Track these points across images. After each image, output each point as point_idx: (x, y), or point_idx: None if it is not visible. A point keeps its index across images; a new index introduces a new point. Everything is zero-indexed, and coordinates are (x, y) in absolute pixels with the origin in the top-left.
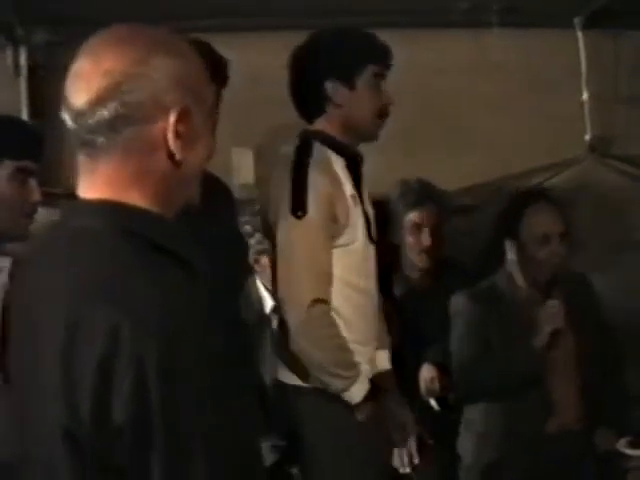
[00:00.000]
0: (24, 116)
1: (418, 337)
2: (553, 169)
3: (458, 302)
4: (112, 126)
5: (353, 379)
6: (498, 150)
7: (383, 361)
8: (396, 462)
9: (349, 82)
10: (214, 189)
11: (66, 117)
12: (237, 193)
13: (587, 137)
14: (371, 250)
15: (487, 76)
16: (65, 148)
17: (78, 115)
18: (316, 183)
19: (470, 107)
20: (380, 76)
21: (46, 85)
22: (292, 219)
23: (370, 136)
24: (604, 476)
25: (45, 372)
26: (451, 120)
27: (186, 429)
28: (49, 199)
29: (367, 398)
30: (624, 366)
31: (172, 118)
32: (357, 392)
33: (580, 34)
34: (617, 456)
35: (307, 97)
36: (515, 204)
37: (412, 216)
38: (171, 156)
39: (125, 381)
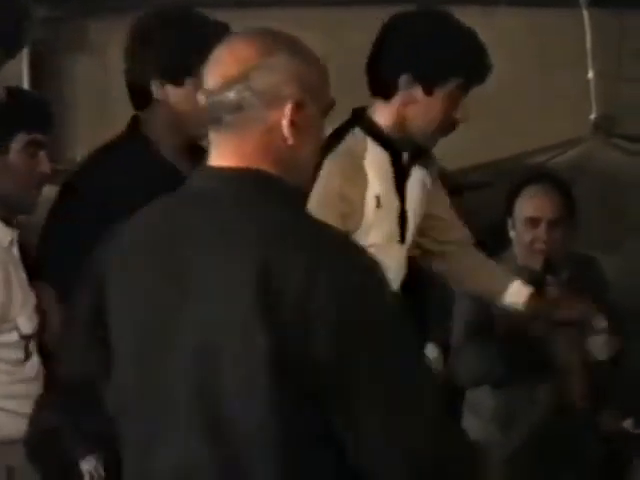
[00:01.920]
0: None
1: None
2: (558, 148)
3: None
4: (238, 107)
5: None
6: (503, 128)
7: None
8: None
9: (428, 87)
10: None
11: (201, 96)
12: None
13: (592, 116)
14: (395, 252)
15: (493, 54)
16: (65, 123)
17: (210, 95)
18: (328, 175)
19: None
20: (465, 89)
21: (46, 60)
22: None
23: (422, 143)
24: (610, 456)
25: (236, 308)
26: None
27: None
28: (51, 175)
29: None
30: (629, 347)
31: (288, 108)
32: None
33: (586, 13)
34: (623, 436)
35: (376, 78)
36: (517, 183)
37: None
38: (285, 140)
39: (324, 325)
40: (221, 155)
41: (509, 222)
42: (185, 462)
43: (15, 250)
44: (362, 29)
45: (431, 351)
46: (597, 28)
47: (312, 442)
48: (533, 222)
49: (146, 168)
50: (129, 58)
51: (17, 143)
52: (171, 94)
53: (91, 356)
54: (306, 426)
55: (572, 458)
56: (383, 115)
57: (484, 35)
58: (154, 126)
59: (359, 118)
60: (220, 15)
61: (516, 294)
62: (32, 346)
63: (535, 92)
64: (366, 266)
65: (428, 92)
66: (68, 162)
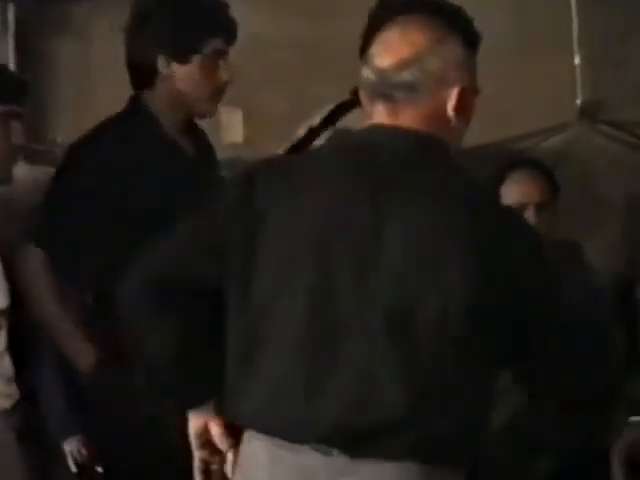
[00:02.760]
0: None
1: None
2: (544, 133)
3: None
4: (412, 86)
5: None
6: (488, 114)
7: None
8: None
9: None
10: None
11: (368, 73)
12: (224, 152)
13: (578, 101)
14: None
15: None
16: (50, 104)
17: (382, 73)
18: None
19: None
20: (221, 53)
21: (33, 41)
22: None
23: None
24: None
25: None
26: None
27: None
28: (33, 155)
29: None
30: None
31: (455, 92)
32: None
33: None
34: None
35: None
36: (499, 169)
37: None
38: (448, 120)
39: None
40: (391, 121)
41: None
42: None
43: None
44: (352, 14)
45: None
46: (584, 12)
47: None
48: (520, 208)
49: (148, 141)
50: (133, 36)
51: None
52: (177, 71)
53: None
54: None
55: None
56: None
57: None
58: (156, 103)
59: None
60: None
61: None
62: (2, 320)
63: (520, 77)
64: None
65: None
66: (51, 143)
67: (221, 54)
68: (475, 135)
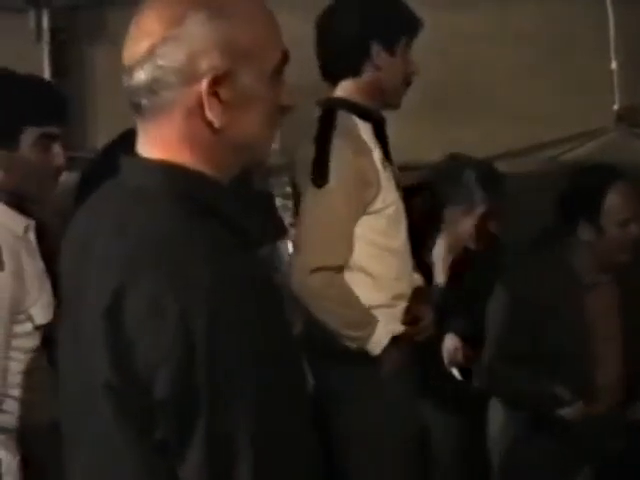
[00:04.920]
0: None
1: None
2: (581, 138)
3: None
4: (150, 89)
5: (366, 337)
6: (525, 119)
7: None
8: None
9: (391, 47)
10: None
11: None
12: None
13: (615, 107)
14: (402, 211)
15: (515, 44)
16: (87, 112)
17: (125, 78)
18: (341, 152)
19: (497, 75)
20: (410, 46)
21: (68, 49)
22: (312, 188)
23: (396, 103)
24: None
25: (89, 332)
26: (479, 88)
27: (232, 397)
28: (71, 163)
29: (389, 351)
30: None
31: (205, 83)
32: (375, 346)
33: (609, 2)
34: None
35: (345, 57)
36: (598, 180)
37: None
38: (209, 123)
39: (171, 351)
40: (146, 145)
41: (583, 225)
42: None
43: (32, 238)
44: None
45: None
46: (621, 18)
47: None
48: (628, 220)
49: None
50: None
51: (27, 137)
52: None
53: None
54: None
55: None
56: (352, 91)
57: (506, 25)
58: None
59: (335, 102)
60: None
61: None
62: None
63: (558, 83)
64: None
65: (392, 52)
66: (89, 150)
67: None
68: (512, 140)
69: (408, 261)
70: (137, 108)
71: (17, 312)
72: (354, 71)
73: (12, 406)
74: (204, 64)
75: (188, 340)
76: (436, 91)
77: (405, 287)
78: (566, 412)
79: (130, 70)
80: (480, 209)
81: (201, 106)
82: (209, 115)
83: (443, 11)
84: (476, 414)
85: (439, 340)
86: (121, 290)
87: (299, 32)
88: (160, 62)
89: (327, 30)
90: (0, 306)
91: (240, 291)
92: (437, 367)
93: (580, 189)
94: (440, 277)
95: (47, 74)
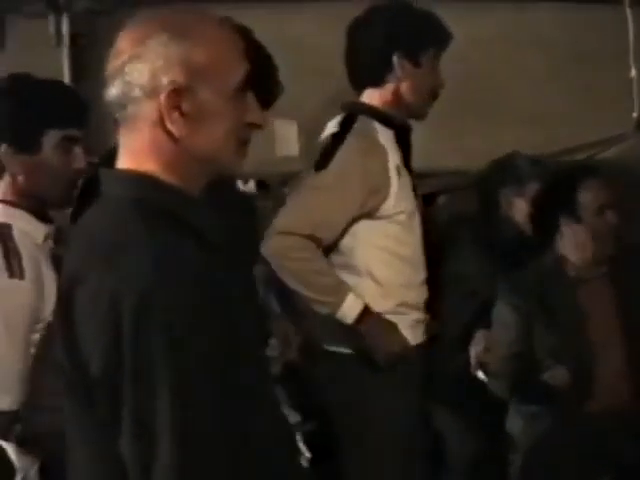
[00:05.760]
0: None
1: None
2: (600, 145)
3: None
4: (120, 103)
5: (337, 303)
6: (544, 125)
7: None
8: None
9: (415, 58)
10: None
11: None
12: (278, 165)
13: (635, 114)
14: (417, 220)
15: (533, 50)
16: (106, 117)
17: (105, 91)
18: (349, 148)
19: (516, 81)
20: (438, 58)
21: (87, 54)
22: (312, 172)
23: (420, 115)
24: None
25: (55, 323)
26: (495, 95)
27: (151, 378)
28: (91, 169)
29: (361, 319)
30: None
31: (162, 96)
32: (348, 312)
33: (629, 10)
34: None
35: (370, 66)
36: (571, 176)
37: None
38: (170, 134)
39: (102, 331)
40: (121, 154)
41: (561, 217)
42: None
43: (51, 245)
44: None
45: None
46: None
47: None
48: (603, 208)
49: None
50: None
51: (49, 140)
52: None
53: None
54: None
55: (614, 457)
56: (375, 100)
57: (524, 31)
58: None
59: (357, 106)
60: (222, 11)
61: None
62: None
63: (576, 89)
64: None
65: (416, 63)
66: None
67: None
68: (531, 147)
69: (420, 270)
70: (114, 121)
71: (37, 321)
72: (377, 81)
73: (31, 413)
74: (165, 79)
75: (116, 321)
76: (452, 97)
77: (413, 296)
78: (548, 376)
79: (106, 85)
80: (532, 191)
81: (163, 118)
82: (169, 126)
83: (460, 17)
84: (495, 417)
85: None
86: (73, 284)
87: (313, 42)
88: (127, 78)
89: (353, 39)
90: (21, 315)
91: (179, 281)
92: (454, 370)
93: (557, 186)
94: None
95: (67, 79)
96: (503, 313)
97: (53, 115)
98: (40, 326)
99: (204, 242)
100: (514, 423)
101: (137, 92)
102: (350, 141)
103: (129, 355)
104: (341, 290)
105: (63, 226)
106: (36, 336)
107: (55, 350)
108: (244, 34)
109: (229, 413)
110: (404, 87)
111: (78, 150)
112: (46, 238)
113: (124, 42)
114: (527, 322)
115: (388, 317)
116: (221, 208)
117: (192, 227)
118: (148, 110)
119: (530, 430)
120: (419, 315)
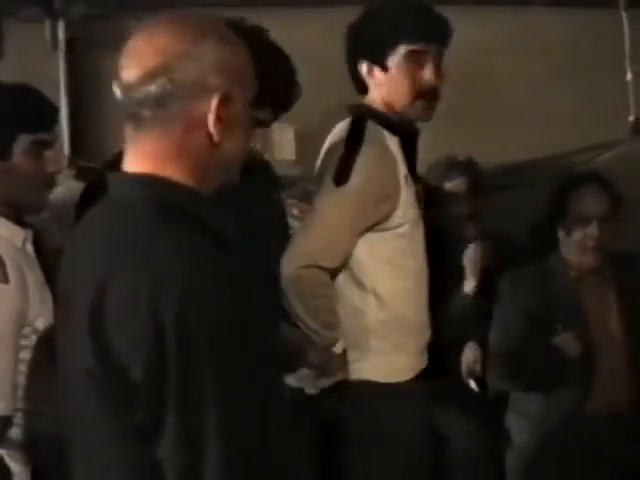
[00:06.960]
0: (62, 89)
1: None
2: (596, 150)
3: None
4: (159, 101)
5: (336, 338)
6: (540, 129)
7: None
8: None
9: (381, 63)
10: (253, 165)
11: (116, 90)
12: (276, 169)
13: (631, 118)
14: (420, 230)
15: (530, 55)
16: (103, 121)
17: (127, 89)
18: (368, 158)
19: (513, 86)
20: (419, 53)
21: (84, 58)
22: (331, 186)
23: (419, 117)
24: None
25: (76, 326)
26: (494, 98)
27: (200, 383)
28: (87, 173)
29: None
30: None
31: (215, 101)
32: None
33: (624, 14)
34: None
35: (352, 76)
36: (565, 182)
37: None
38: (209, 137)
39: (144, 337)
40: (135, 157)
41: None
42: None
43: (29, 248)
44: None
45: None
46: (636, 29)
47: None
48: (584, 221)
49: None
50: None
51: (19, 145)
52: None
53: None
54: None
55: (613, 460)
56: (375, 104)
57: (521, 36)
58: None
59: (364, 110)
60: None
61: None
62: None
63: (573, 93)
64: None
65: (385, 69)
66: (104, 160)
67: None
68: (528, 150)
69: (422, 285)
70: (134, 120)
71: (22, 325)
72: (364, 89)
73: (21, 419)
74: (213, 82)
75: (158, 326)
76: (452, 100)
77: (419, 314)
78: (559, 340)
79: (137, 83)
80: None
81: (204, 120)
82: (211, 129)
83: (460, 22)
84: (493, 422)
85: (459, 350)
86: (101, 286)
87: (317, 47)
88: (175, 75)
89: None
90: (7, 319)
91: (212, 281)
92: (454, 377)
93: (553, 195)
94: (470, 283)
95: (63, 84)
96: (503, 313)
97: (22, 120)
98: (26, 330)
99: (221, 241)
100: (513, 422)
101: (184, 91)
102: (367, 151)
103: (175, 359)
104: (338, 325)
105: (40, 230)
106: (24, 341)
107: (58, 355)
108: (262, 35)
109: (263, 415)
110: (385, 92)
111: (51, 154)
112: (24, 242)
113: (167, 40)
114: (527, 322)
115: (386, 329)
116: (238, 206)
117: (209, 227)
118: (191, 110)
119: (530, 430)
120: (423, 338)
